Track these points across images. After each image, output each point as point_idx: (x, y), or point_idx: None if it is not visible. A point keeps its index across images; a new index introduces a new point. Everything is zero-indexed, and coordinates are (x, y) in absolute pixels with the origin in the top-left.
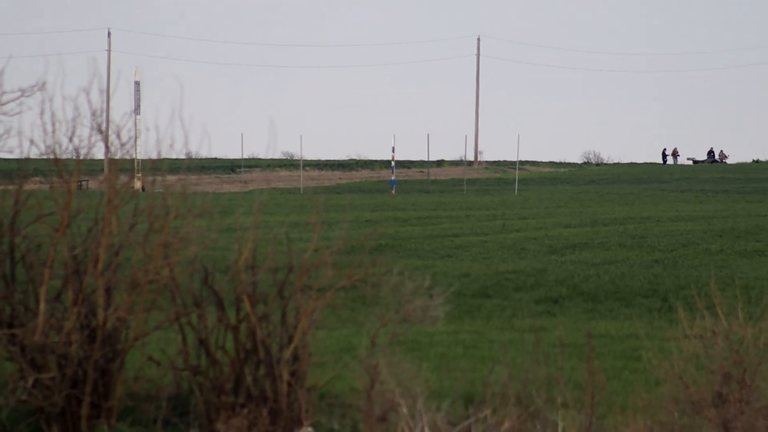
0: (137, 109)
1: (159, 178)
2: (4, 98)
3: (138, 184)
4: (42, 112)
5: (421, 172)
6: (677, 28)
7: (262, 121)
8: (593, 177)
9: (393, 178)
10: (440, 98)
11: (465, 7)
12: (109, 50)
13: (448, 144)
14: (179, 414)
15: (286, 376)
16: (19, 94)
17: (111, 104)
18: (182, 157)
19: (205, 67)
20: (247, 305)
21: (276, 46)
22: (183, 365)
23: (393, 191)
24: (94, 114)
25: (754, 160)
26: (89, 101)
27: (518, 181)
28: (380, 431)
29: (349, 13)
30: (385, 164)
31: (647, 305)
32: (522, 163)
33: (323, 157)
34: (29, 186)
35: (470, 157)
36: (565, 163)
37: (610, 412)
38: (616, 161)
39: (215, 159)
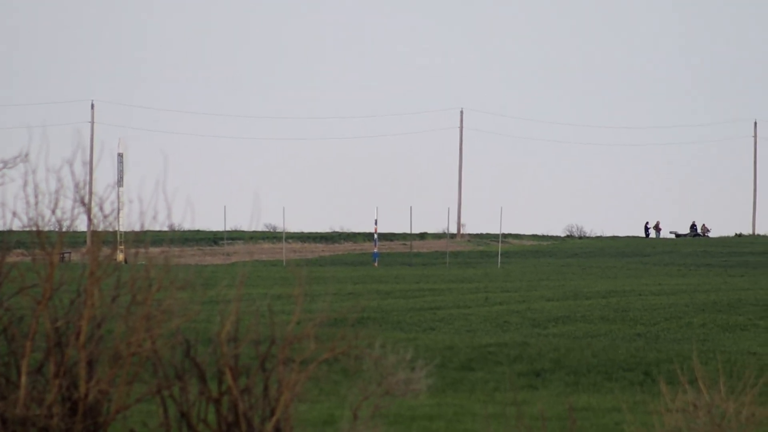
0: (120, 181)
1: (142, 250)
2: None
3: (121, 257)
4: (25, 184)
5: (404, 244)
6: (659, 102)
7: (245, 193)
8: (576, 250)
9: (376, 250)
10: (423, 170)
11: (448, 79)
12: (92, 122)
13: (431, 216)
14: None
15: None
16: (1, 165)
17: (94, 176)
18: (165, 229)
19: (188, 139)
20: (229, 378)
21: (259, 118)
22: None
23: (376, 264)
24: (77, 186)
25: (736, 234)
26: (73, 173)
27: (501, 254)
28: None
29: (333, 86)
30: (368, 237)
31: (630, 378)
32: (505, 236)
33: (306, 230)
34: (11, 258)
35: (453, 230)
36: (548, 236)
37: None
38: (598, 234)
39: (198, 231)
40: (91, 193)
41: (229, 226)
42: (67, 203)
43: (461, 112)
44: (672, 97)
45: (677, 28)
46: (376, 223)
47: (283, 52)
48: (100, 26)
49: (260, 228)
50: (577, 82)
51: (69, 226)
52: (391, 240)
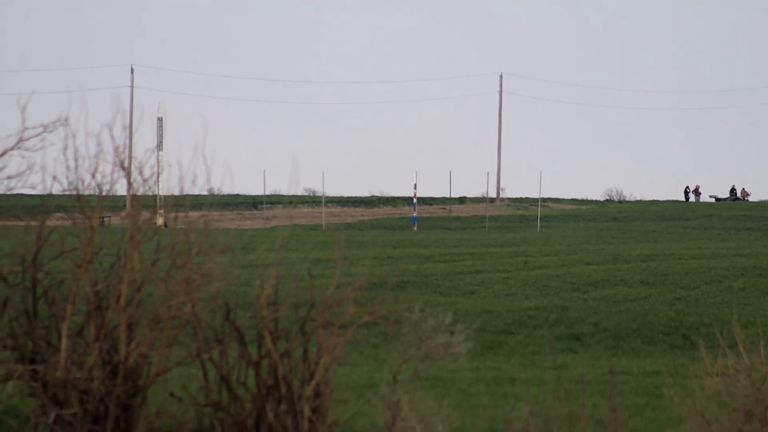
0: (160, 146)
1: (181, 214)
2: (27, 134)
3: (160, 220)
4: (65, 148)
5: (443, 208)
6: (700, 65)
7: (284, 157)
8: (615, 214)
9: (415, 214)
10: (462, 135)
11: (487, 44)
12: (132, 86)
13: (470, 181)
14: None
15: (307, 413)
16: (41, 129)
17: (134, 140)
18: (204, 193)
19: (227, 103)
20: (268, 341)
21: (299, 82)
22: (204, 401)
23: (415, 228)
24: (116, 150)
25: None
26: (112, 137)
27: (540, 218)
28: None
29: (372, 51)
30: (407, 201)
31: (669, 342)
32: (544, 200)
33: (345, 194)
34: (52, 222)
35: (492, 194)
36: (587, 200)
37: None
38: (638, 199)
39: (237, 195)
40: (130, 157)
41: (269, 190)
42: (106, 167)
43: (500, 77)
44: (714, 61)
45: None
46: (415, 187)
47: (321, 17)
48: None
49: (299, 192)
50: (618, 46)
51: (109, 190)
52: (431, 204)
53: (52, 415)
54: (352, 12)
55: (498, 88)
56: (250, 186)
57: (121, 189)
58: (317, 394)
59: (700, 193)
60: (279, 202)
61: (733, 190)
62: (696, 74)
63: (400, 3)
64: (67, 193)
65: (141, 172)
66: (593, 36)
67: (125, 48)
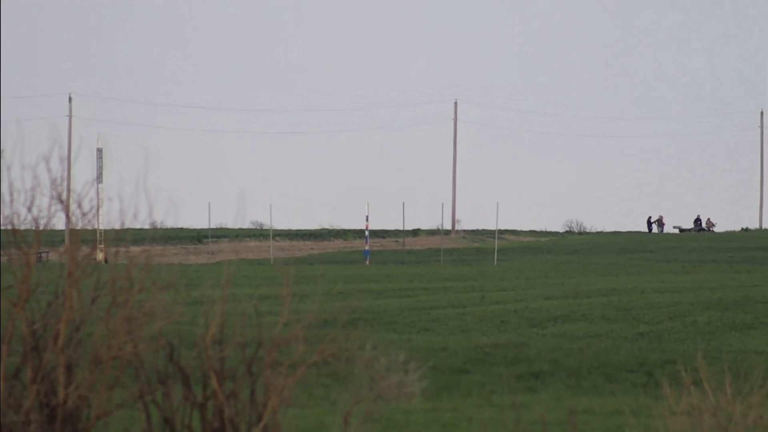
0: (99, 178)
1: (122, 249)
2: None
3: (100, 256)
4: None
5: (397, 241)
6: (663, 91)
7: (230, 189)
8: (576, 246)
9: (367, 248)
10: (416, 164)
11: (441, 70)
12: (70, 116)
13: (424, 212)
14: None
15: None
16: None
17: (72, 173)
18: (147, 227)
19: (170, 133)
20: (214, 382)
21: (245, 110)
22: None
23: (367, 262)
24: (54, 183)
25: (742, 228)
26: (49, 170)
27: (497, 251)
28: None
29: (319, 77)
30: (359, 234)
31: (632, 380)
32: (501, 232)
33: (294, 227)
34: None
35: (447, 226)
36: (546, 231)
37: None
38: (599, 230)
39: (181, 229)
40: (69, 190)
41: (214, 224)
42: (43, 201)
43: (455, 104)
44: (676, 88)
45: (674, 19)
46: (367, 220)
47: (268, 43)
48: (77, 15)
49: (246, 225)
50: (576, 73)
51: (46, 225)
52: (383, 237)
53: None
54: (299, 37)
55: (453, 116)
56: (195, 219)
57: (59, 223)
58: None
59: (663, 224)
60: (225, 236)
61: (697, 221)
62: (659, 100)
63: (349, 28)
64: (3, 228)
65: (80, 206)
66: (553, 61)
67: (62, 76)
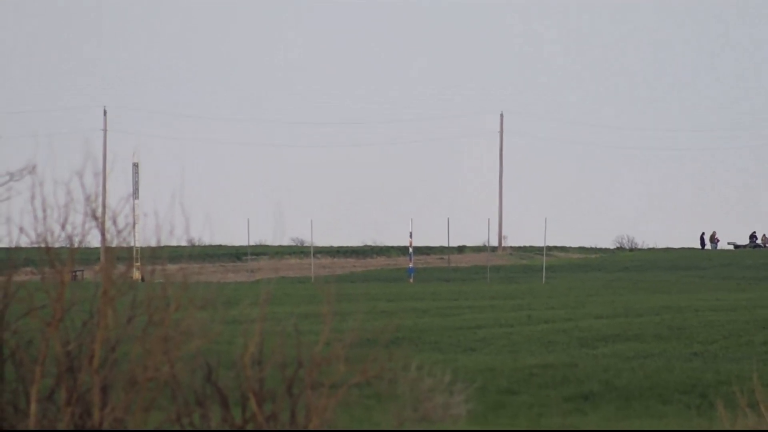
0: (135, 193)
1: (159, 267)
2: None
3: (136, 274)
4: (32, 197)
5: (441, 258)
6: (716, 101)
7: (269, 205)
8: (627, 263)
9: (411, 265)
10: (461, 179)
11: (487, 80)
12: (105, 129)
13: (469, 229)
14: None
15: None
16: (7, 178)
17: (107, 188)
18: (184, 244)
19: (208, 146)
20: (253, 404)
21: (285, 123)
22: None
23: (411, 280)
24: (88, 199)
25: None
26: (83, 185)
27: (546, 268)
28: None
29: (363, 90)
30: (403, 251)
31: (685, 402)
32: (549, 248)
33: (335, 244)
34: (19, 277)
35: (494, 243)
36: (596, 248)
37: None
38: (651, 246)
39: (219, 246)
40: (104, 206)
41: (253, 241)
42: (77, 217)
43: (501, 115)
44: (731, 97)
45: (734, 30)
46: (411, 236)
47: (308, 53)
48: (112, 26)
49: (286, 242)
50: (628, 83)
51: (80, 242)
52: (428, 254)
53: None
54: (341, 48)
55: (498, 128)
56: (233, 236)
57: (93, 241)
58: None
59: (717, 240)
60: (264, 253)
61: (753, 236)
62: (712, 112)
63: (390, 37)
64: (36, 245)
65: (115, 222)
66: (601, 72)
67: (96, 88)
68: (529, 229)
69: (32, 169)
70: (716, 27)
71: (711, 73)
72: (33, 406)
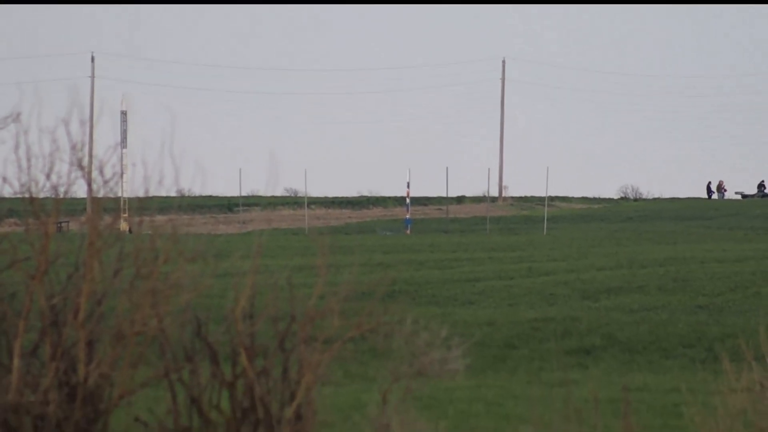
0: (123, 142)
1: (147, 218)
2: None
3: (124, 225)
4: (16, 147)
5: (440, 209)
6: (721, 47)
7: (262, 154)
8: (631, 213)
9: (408, 216)
10: (460, 127)
11: (487, 26)
12: (92, 76)
13: (469, 178)
14: None
15: None
16: None
17: (94, 137)
18: (173, 194)
19: (198, 94)
20: (244, 359)
21: (277, 70)
22: (173, 426)
23: (408, 231)
24: (74, 148)
25: None
26: (69, 134)
27: (547, 219)
28: None
29: (358, 35)
30: (400, 201)
31: (690, 356)
32: (551, 198)
33: (330, 194)
34: (2, 228)
35: (494, 193)
36: (599, 198)
37: None
38: (656, 196)
39: (210, 197)
40: (90, 155)
41: (245, 191)
42: (63, 167)
43: (503, 62)
44: (737, 42)
45: None
46: (408, 186)
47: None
48: None
49: (279, 193)
50: (634, 28)
51: (66, 193)
52: (425, 205)
53: None
54: None
55: (500, 75)
56: (225, 187)
57: (79, 191)
58: (298, 417)
59: (724, 190)
60: (256, 204)
61: (761, 186)
62: (718, 57)
63: None
64: (20, 196)
65: (102, 172)
66: (606, 17)
67: (83, 34)
68: (531, 178)
69: (16, 117)
70: None
71: (721, 14)
72: (16, 362)
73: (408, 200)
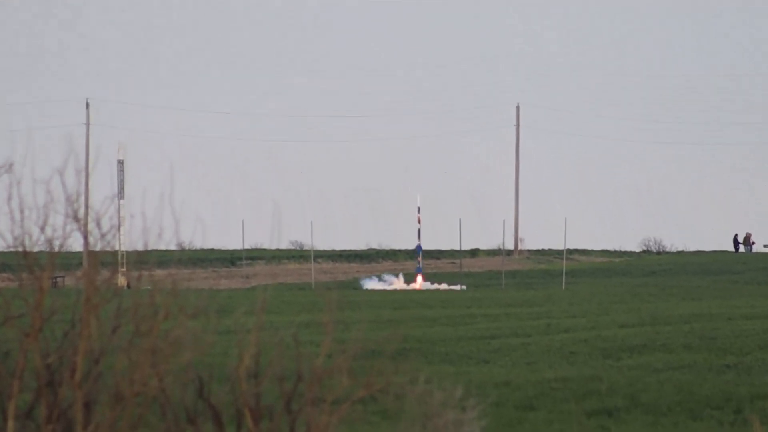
0: (120, 193)
1: (146, 272)
2: None
3: (122, 281)
4: (9, 198)
5: (453, 263)
6: (748, 94)
7: (266, 205)
8: (653, 267)
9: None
10: (474, 176)
11: (503, 70)
12: (87, 124)
13: (483, 230)
14: None
15: None
16: None
17: (89, 187)
18: (173, 248)
19: (199, 142)
20: (248, 421)
21: (282, 116)
22: None
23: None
24: (69, 199)
25: None
26: (64, 184)
27: (566, 273)
28: None
29: (367, 78)
30: (410, 254)
31: (718, 418)
32: (570, 251)
33: (338, 247)
34: None
35: (510, 246)
36: (620, 251)
37: None
38: (680, 249)
39: (212, 250)
40: (86, 206)
41: (249, 244)
42: (58, 219)
43: (517, 108)
44: (763, 89)
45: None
46: (419, 212)
47: (308, 41)
48: (94, 14)
49: (284, 246)
50: (656, 75)
51: (61, 246)
52: (438, 258)
53: None
54: (343, 38)
55: (515, 121)
56: (227, 239)
57: (75, 244)
58: None
59: (752, 243)
60: (261, 258)
61: None
62: (744, 105)
63: (397, 26)
64: (13, 249)
65: (98, 225)
66: (627, 61)
67: (79, 80)
68: (548, 230)
69: (9, 168)
70: (720, 24)
71: (750, 61)
72: (10, 423)
73: (419, 228)
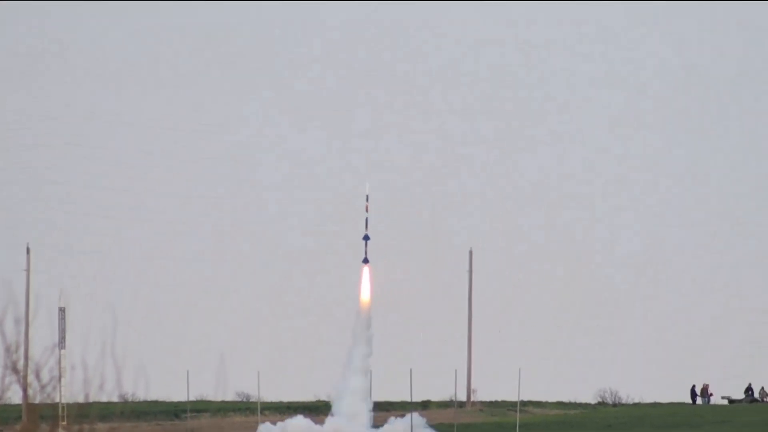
0: (61, 342)
1: (87, 426)
2: None
3: None
4: None
5: (403, 415)
6: (701, 239)
7: (210, 355)
8: (610, 420)
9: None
10: (424, 325)
11: (455, 214)
12: (27, 270)
13: (434, 381)
14: None
15: None
16: None
17: (29, 336)
18: (115, 400)
19: (141, 289)
20: None
21: (226, 263)
22: None
23: None
24: (8, 349)
25: None
26: (2, 333)
27: (519, 427)
28: None
29: (315, 222)
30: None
31: None
32: (524, 403)
33: (286, 398)
34: None
35: (462, 398)
36: (575, 403)
37: None
38: (636, 401)
39: (155, 402)
40: (26, 357)
41: (193, 396)
42: None
43: (470, 253)
44: (717, 233)
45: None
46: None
47: (261, 183)
48: (32, 158)
49: (230, 397)
50: (613, 210)
51: None
52: (388, 410)
53: None
54: (284, 178)
55: (467, 267)
56: (171, 391)
57: (14, 397)
58: None
59: (710, 394)
60: (206, 410)
61: (749, 390)
62: (703, 257)
63: (333, 169)
64: None
65: (38, 376)
66: (583, 203)
67: (19, 225)
68: (502, 382)
69: None
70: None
71: (710, 200)
72: None
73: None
